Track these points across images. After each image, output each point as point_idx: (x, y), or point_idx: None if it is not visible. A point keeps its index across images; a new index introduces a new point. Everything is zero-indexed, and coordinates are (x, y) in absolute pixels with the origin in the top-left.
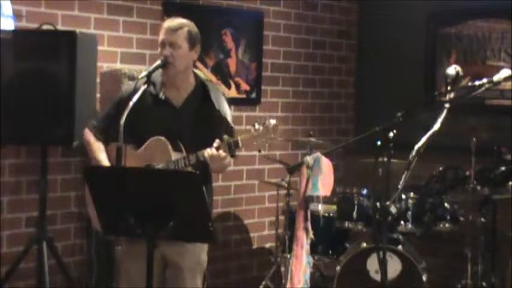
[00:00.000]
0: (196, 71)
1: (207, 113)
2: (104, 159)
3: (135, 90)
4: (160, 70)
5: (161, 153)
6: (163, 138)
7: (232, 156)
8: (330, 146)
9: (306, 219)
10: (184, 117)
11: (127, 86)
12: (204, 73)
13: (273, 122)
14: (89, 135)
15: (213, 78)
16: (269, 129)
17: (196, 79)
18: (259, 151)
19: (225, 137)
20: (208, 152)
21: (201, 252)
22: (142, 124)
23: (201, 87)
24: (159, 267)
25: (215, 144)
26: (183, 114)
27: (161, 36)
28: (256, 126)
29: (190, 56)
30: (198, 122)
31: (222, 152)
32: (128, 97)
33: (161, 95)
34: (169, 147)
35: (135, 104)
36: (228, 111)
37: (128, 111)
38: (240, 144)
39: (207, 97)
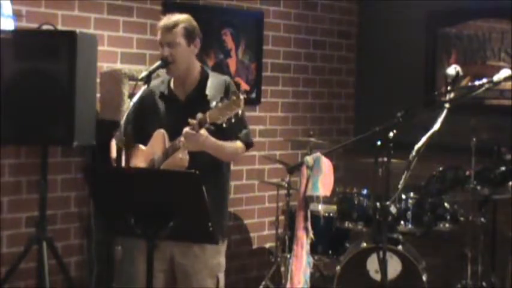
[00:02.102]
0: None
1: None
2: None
3: (135, 91)
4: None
5: (160, 145)
6: (161, 130)
7: (248, 146)
8: (330, 146)
9: (306, 219)
10: (188, 111)
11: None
12: None
13: (240, 96)
14: (112, 143)
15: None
16: (232, 103)
17: (202, 72)
18: (223, 124)
19: (198, 115)
20: (183, 132)
21: (211, 255)
22: (151, 122)
23: (206, 79)
24: (164, 266)
25: (190, 124)
26: (187, 108)
27: (158, 36)
28: (223, 101)
29: (190, 51)
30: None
31: (190, 130)
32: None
33: (167, 92)
34: (166, 137)
35: (141, 105)
36: (217, 96)
37: (128, 111)
38: (208, 120)
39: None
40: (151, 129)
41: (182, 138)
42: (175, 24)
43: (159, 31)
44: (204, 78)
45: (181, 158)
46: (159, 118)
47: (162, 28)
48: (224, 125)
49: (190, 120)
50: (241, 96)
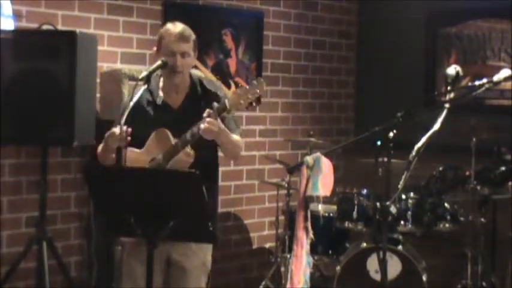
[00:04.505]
0: (193, 70)
1: (208, 106)
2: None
3: (134, 91)
4: (158, 75)
5: (163, 143)
6: (163, 129)
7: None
8: (330, 146)
9: (306, 219)
10: (183, 117)
11: (128, 87)
12: (205, 73)
13: (259, 79)
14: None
15: (212, 78)
16: (253, 86)
17: (191, 77)
18: (247, 108)
19: (214, 104)
20: (205, 120)
21: (205, 252)
22: (143, 130)
23: (197, 84)
24: (161, 266)
25: (205, 114)
26: (182, 114)
27: (171, 44)
28: (241, 87)
29: (194, 61)
30: (198, 119)
31: (211, 118)
32: (130, 99)
33: (159, 101)
34: (169, 134)
35: (136, 107)
36: (227, 95)
37: (128, 111)
38: (228, 106)
39: (205, 92)
40: (141, 136)
41: (202, 126)
42: (190, 35)
43: (171, 39)
44: (195, 82)
45: (189, 152)
46: (151, 125)
47: (179, 37)
48: (226, 114)
49: (208, 110)
50: (262, 79)
